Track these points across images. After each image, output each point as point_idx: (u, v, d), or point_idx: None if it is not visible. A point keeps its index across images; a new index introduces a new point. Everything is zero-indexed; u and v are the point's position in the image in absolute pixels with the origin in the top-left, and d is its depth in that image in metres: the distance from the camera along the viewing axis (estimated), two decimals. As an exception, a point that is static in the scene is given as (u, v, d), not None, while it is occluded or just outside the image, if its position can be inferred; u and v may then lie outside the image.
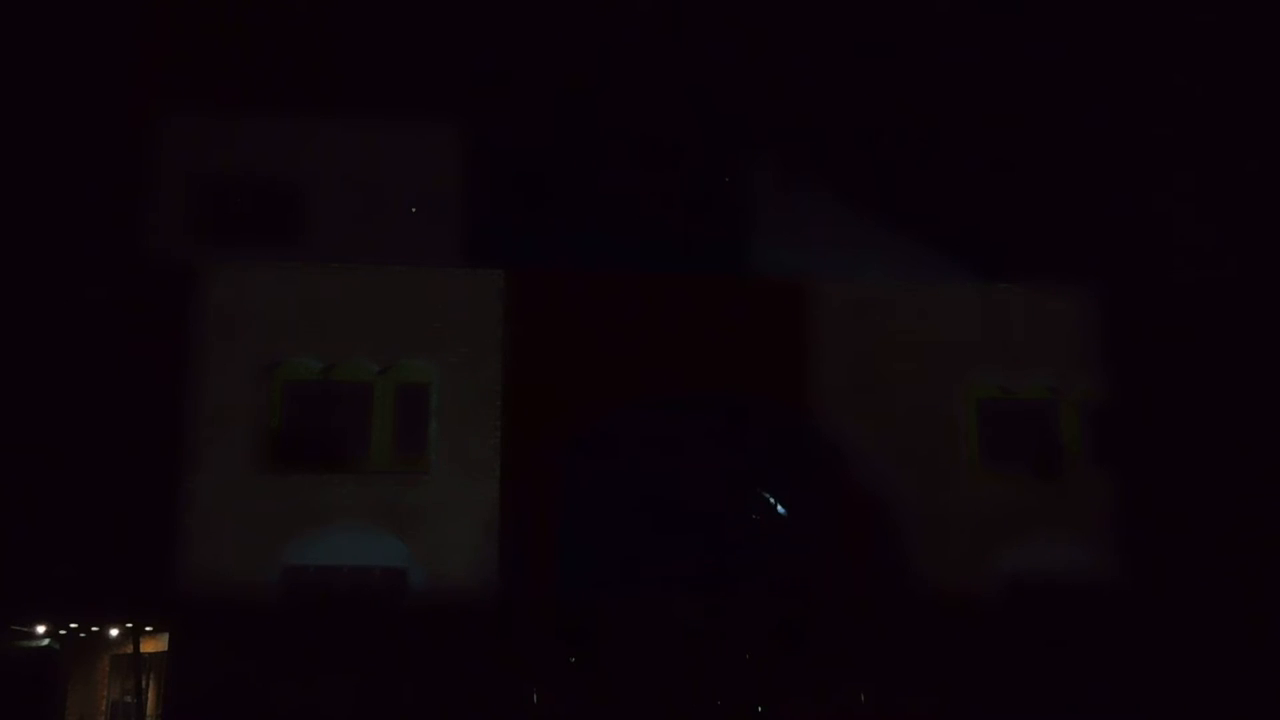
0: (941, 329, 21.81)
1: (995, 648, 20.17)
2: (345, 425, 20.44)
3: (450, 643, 19.44)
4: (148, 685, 24.33)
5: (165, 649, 21.48)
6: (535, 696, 19.87)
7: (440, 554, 19.95)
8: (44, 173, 21.32)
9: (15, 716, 22.56)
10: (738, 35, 23.57)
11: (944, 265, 22.37)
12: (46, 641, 23.84)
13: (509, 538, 20.09)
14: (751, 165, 23.78)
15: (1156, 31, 22.37)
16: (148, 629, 23.30)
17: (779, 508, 21.82)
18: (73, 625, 23.52)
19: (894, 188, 23.19)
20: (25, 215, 21.17)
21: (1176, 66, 22.25)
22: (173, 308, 20.40)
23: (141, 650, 23.58)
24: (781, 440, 21.60)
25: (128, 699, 24.95)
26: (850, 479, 21.10)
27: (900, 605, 20.34)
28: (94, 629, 24.15)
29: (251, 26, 22.37)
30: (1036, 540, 20.89)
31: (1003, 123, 23.28)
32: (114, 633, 24.37)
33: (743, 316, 21.70)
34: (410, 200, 22.59)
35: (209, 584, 19.25)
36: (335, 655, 19.38)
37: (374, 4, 23.15)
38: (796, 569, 21.07)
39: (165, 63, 22.12)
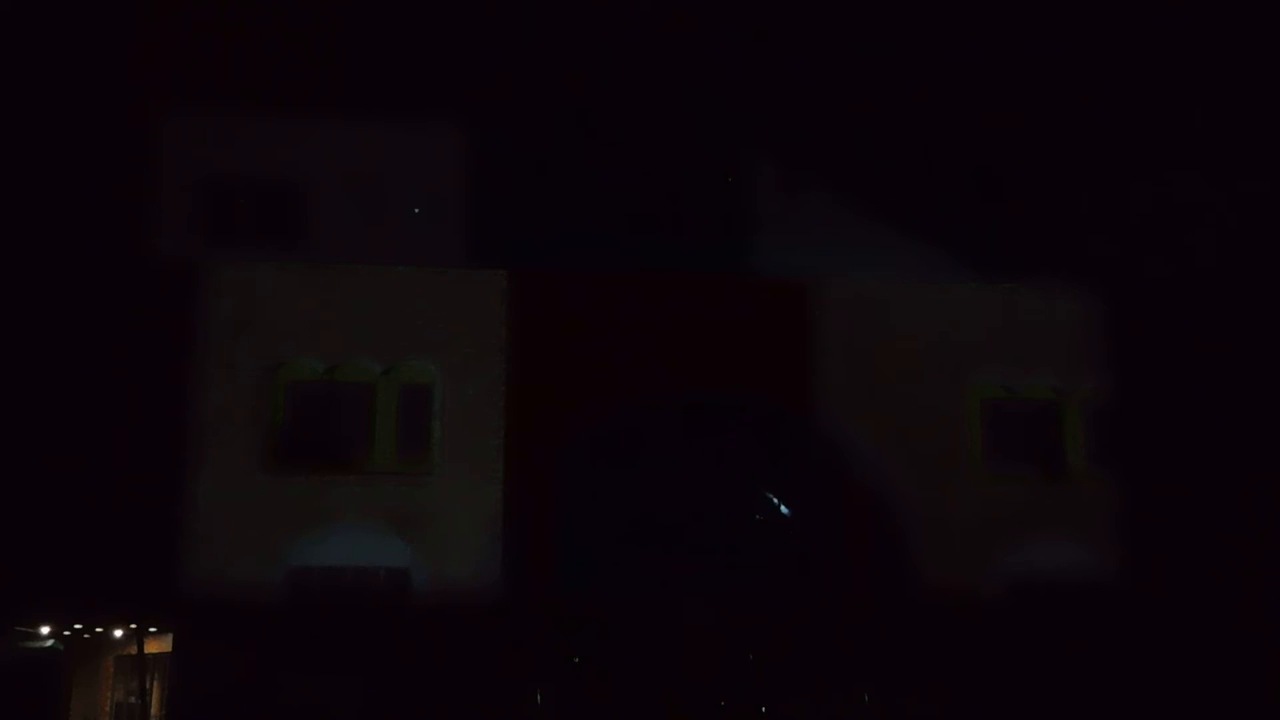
0: (944, 329, 21.86)
1: (997, 648, 20.24)
2: (348, 426, 20.50)
3: (453, 643, 19.49)
4: (152, 686, 24.31)
5: (169, 650, 21.52)
6: (539, 696, 19.91)
7: (443, 554, 20.01)
8: (47, 174, 21.33)
9: (19, 717, 22.58)
10: (738, 35, 23.59)
11: (946, 265, 22.41)
12: (51, 642, 23.85)
13: (512, 538, 20.15)
14: (753, 165, 23.79)
15: (1156, 31, 22.41)
16: (152, 630, 23.28)
17: (781, 508, 21.85)
18: (77, 626, 23.50)
19: (895, 188, 23.21)
20: (28, 216, 21.18)
21: (1177, 66, 22.28)
22: (176, 308, 20.45)
23: (145, 651, 23.55)
24: (784, 440, 21.64)
25: (132, 700, 24.93)
26: (853, 479, 21.14)
27: (903, 605, 20.38)
28: (98, 630, 24.13)
29: (253, 27, 22.39)
30: (1039, 540, 20.94)
31: (1003, 122, 23.31)
32: (118, 633, 24.34)
33: (744, 316, 21.74)
34: (412, 201, 22.63)
35: (213, 585, 19.31)
36: (339, 655, 19.44)
37: (375, 4, 23.17)
38: (799, 569, 21.11)
39: (167, 64, 22.14)
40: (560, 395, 20.91)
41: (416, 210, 22.58)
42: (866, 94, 23.44)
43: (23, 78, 21.38)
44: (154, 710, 24.28)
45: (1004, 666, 20.09)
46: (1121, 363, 21.57)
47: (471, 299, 21.17)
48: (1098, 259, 22.30)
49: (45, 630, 23.37)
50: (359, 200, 22.28)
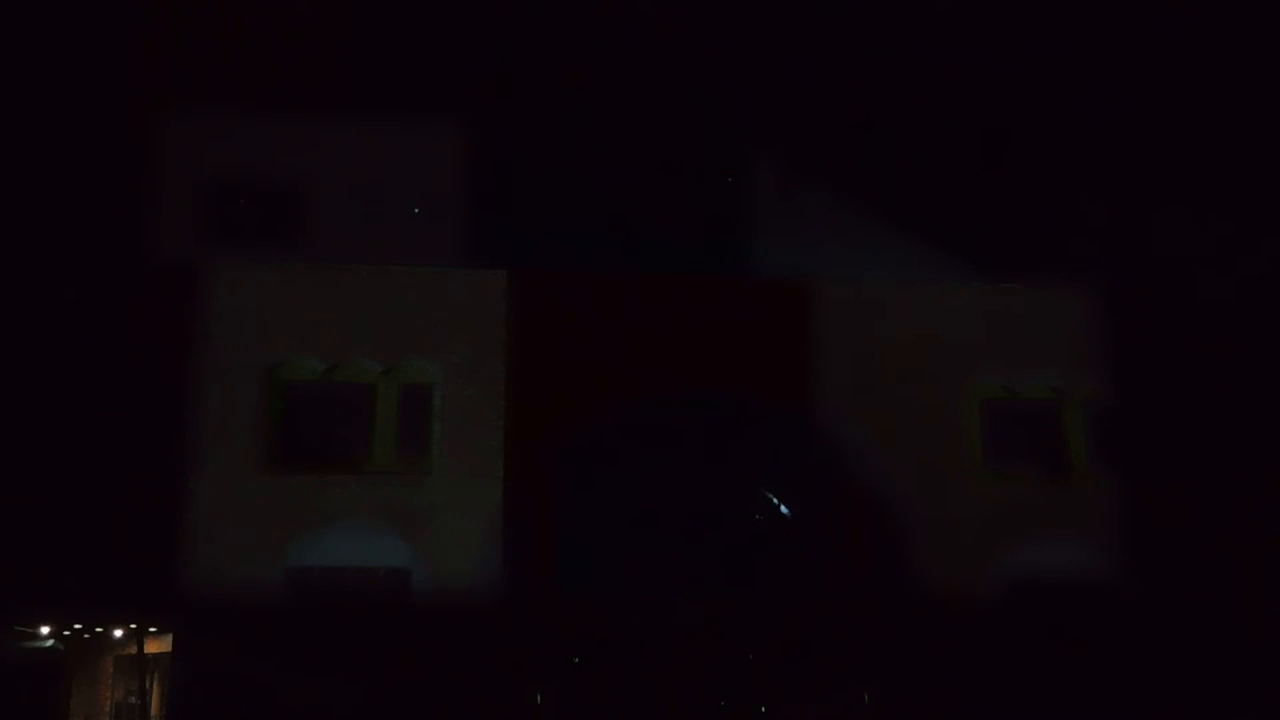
0: (944, 329, 21.87)
1: (997, 648, 20.25)
2: (348, 426, 20.50)
3: (453, 643, 19.49)
4: (151, 686, 24.34)
5: (169, 650, 21.53)
6: (539, 696, 19.91)
7: (443, 554, 20.01)
8: (46, 173, 21.32)
9: (19, 717, 22.59)
10: (738, 36, 23.59)
11: (945, 265, 22.42)
12: (50, 642, 23.87)
13: (511, 538, 20.14)
14: (752, 164, 23.80)
15: (1156, 31, 22.41)
16: (152, 630, 23.31)
17: (781, 508, 21.86)
18: (77, 626, 23.53)
19: (894, 188, 23.22)
20: (27, 216, 21.17)
21: (1177, 66, 22.29)
22: (175, 308, 20.44)
23: (145, 651, 23.59)
24: (784, 440, 21.65)
25: (131, 700, 24.96)
26: (853, 479, 21.15)
27: (903, 606, 20.39)
28: (98, 630, 24.16)
29: (252, 26, 22.38)
30: (1039, 541, 20.95)
31: (1003, 122, 23.31)
32: (118, 633, 24.37)
33: (744, 316, 21.75)
34: (412, 200, 22.62)
35: (212, 585, 19.30)
36: (338, 656, 19.42)
37: (375, 4, 23.16)
38: (799, 569, 21.11)
39: (167, 63, 22.12)
40: (560, 395, 20.91)
41: (416, 210, 22.58)
42: (866, 94, 23.44)
43: (23, 77, 21.37)
44: (154, 710, 24.30)
45: (1004, 666, 20.10)
46: (1121, 363, 21.58)
47: (471, 299, 21.18)
48: (1097, 259, 22.31)
49: (45, 630, 23.39)
50: (359, 200, 22.28)
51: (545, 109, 23.35)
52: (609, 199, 23.21)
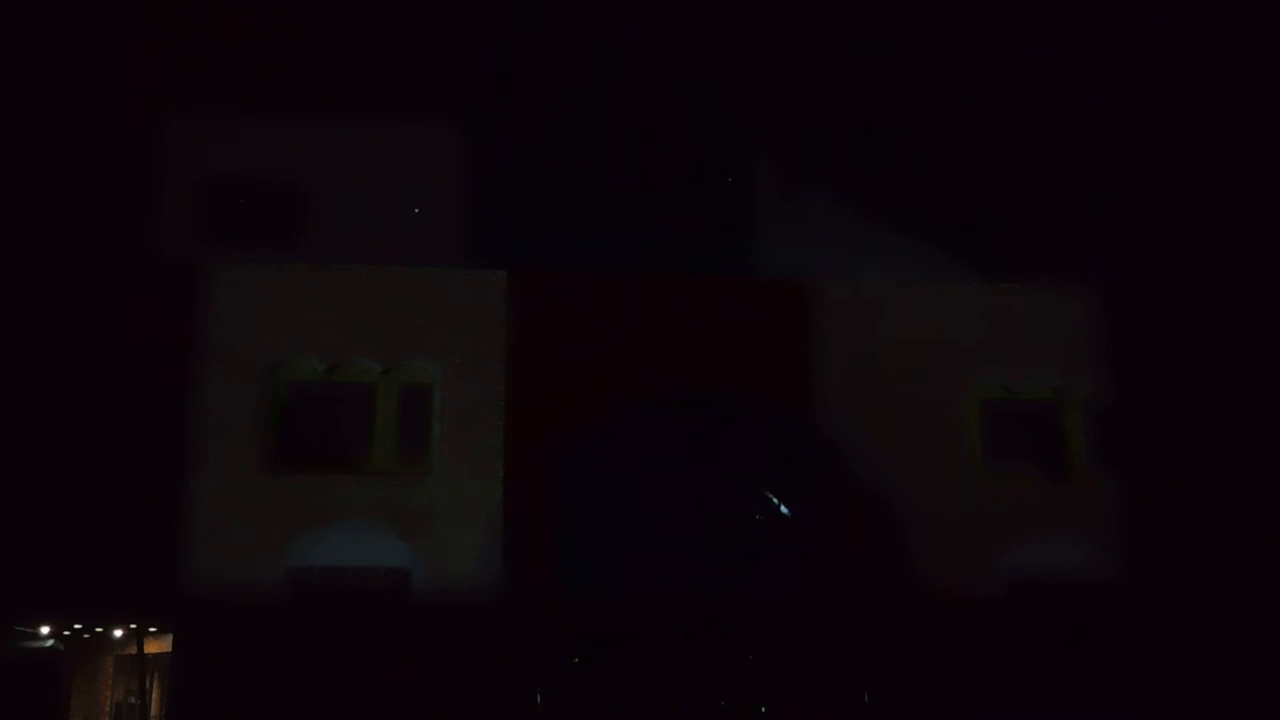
0: (944, 329, 21.87)
1: (998, 649, 20.26)
2: (348, 426, 20.49)
3: (453, 643, 19.49)
4: (151, 686, 24.37)
5: (169, 650, 21.54)
6: (539, 696, 19.91)
7: (443, 554, 20.00)
8: (46, 174, 21.33)
9: (19, 717, 22.60)
10: (738, 35, 23.59)
11: (945, 265, 22.42)
12: (51, 642, 23.90)
13: (511, 538, 20.14)
14: (752, 165, 23.80)
15: (1157, 31, 22.42)
16: (151, 630, 23.35)
17: (781, 508, 21.85)
18: (77, 626, 23.57)
19: (894, 188, 23.22)
20: (29, 216, 21.18)
21: (1177, 66, 22.30)
22: (175, 309, 20.43)
23: (145, 651, 23.63)
24: (783, 440, 21.65)
25: (131, 700, 25.00)
26: (853, 479, 21.14)
27: (903, 606, 20.39)
28: (98, 630, 24.20)
29: (252, 26, 22.38)
30: (1039, 541, 20.94)
31: (1003, 122, 23.31)
32: (118, 633, 24.42)
33: (743, 316, 21.74)
34: (412, 200, 22.62)
35: (212, 585, 19.30)
36: (338, 656, 19.43)
37: (375, 4, 23.16)
38: (799, 569, 21.11)
39: (167, 63, 22.13)
40: (560, 395, 20.91)
41: (416, 210, 22.59)
42: (866, 94, 23.44)
43: (23, 77, 21.37)
44: (154, 710, 24.34)
45: (1004, 666, 20.11)
46: (1121, 363, 21.58)
47: (471, 299, 21.17)
48: (1097, 259, 22.31)
49: (45, 630, 23.41)
50: (359, 200, 22.29)
51: (545, 109, 23.35)
52: (609, 199, 23.20)
